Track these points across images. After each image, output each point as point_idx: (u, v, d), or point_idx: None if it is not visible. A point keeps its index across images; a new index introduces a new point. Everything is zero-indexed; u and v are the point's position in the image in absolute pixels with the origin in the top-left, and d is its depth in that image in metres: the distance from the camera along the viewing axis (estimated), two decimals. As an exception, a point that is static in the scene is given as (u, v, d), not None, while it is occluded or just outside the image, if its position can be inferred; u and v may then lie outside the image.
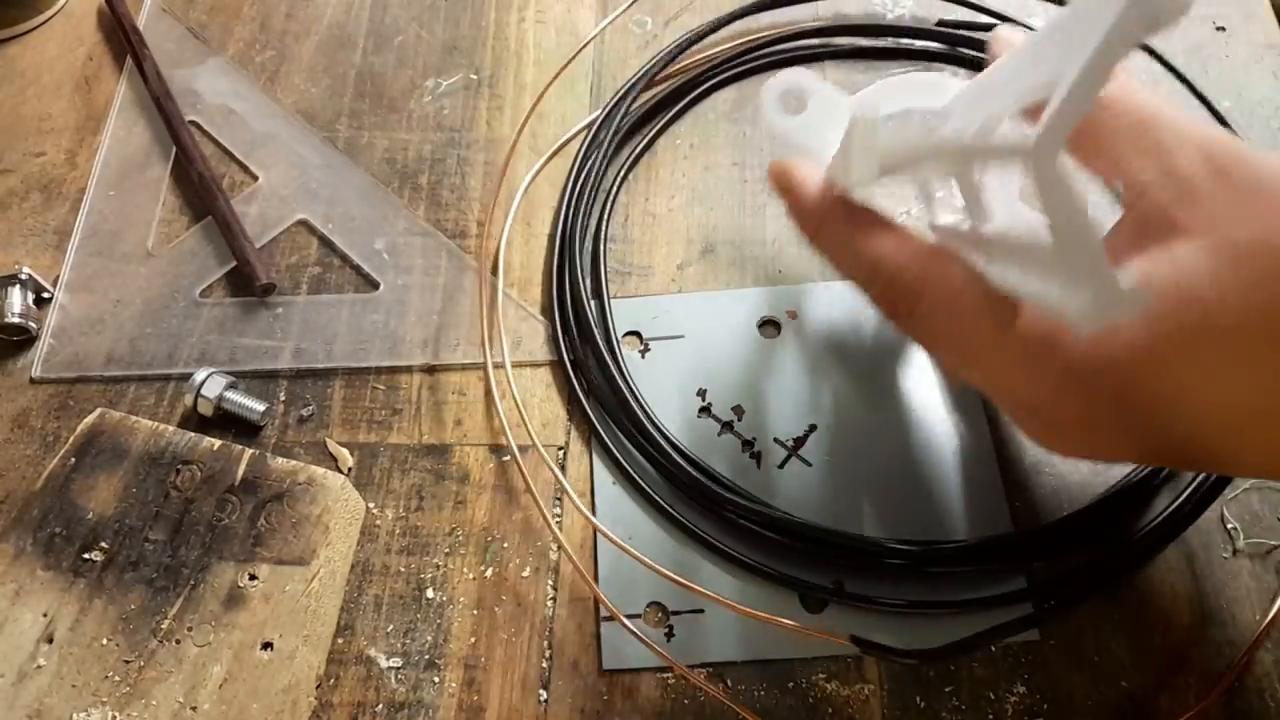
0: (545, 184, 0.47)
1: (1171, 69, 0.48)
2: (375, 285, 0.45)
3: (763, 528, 0.37)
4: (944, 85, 0.29)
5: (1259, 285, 0.23)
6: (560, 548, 0.38)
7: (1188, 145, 0.27)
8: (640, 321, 0.43)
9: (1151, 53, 0.48)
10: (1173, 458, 0.29)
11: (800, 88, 0.33)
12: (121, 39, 0.52)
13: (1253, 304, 0.24)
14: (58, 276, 0.45)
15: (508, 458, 0.40)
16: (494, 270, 0.44)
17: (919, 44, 0.50)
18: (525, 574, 0.38)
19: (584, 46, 0.50)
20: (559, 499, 0.39)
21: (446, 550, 0.38)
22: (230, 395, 0.40)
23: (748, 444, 0.40)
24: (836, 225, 0.31)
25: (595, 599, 0.37)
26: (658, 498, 0.38)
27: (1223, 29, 0.51)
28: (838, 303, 0.43)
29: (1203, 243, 0.25)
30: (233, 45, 0.53)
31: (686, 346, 0.42)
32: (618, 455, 0.39)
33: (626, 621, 0.35)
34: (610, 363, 0.41)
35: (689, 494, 0.38)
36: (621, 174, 0.47)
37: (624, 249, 0.45)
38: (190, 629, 0.35)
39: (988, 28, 0.50)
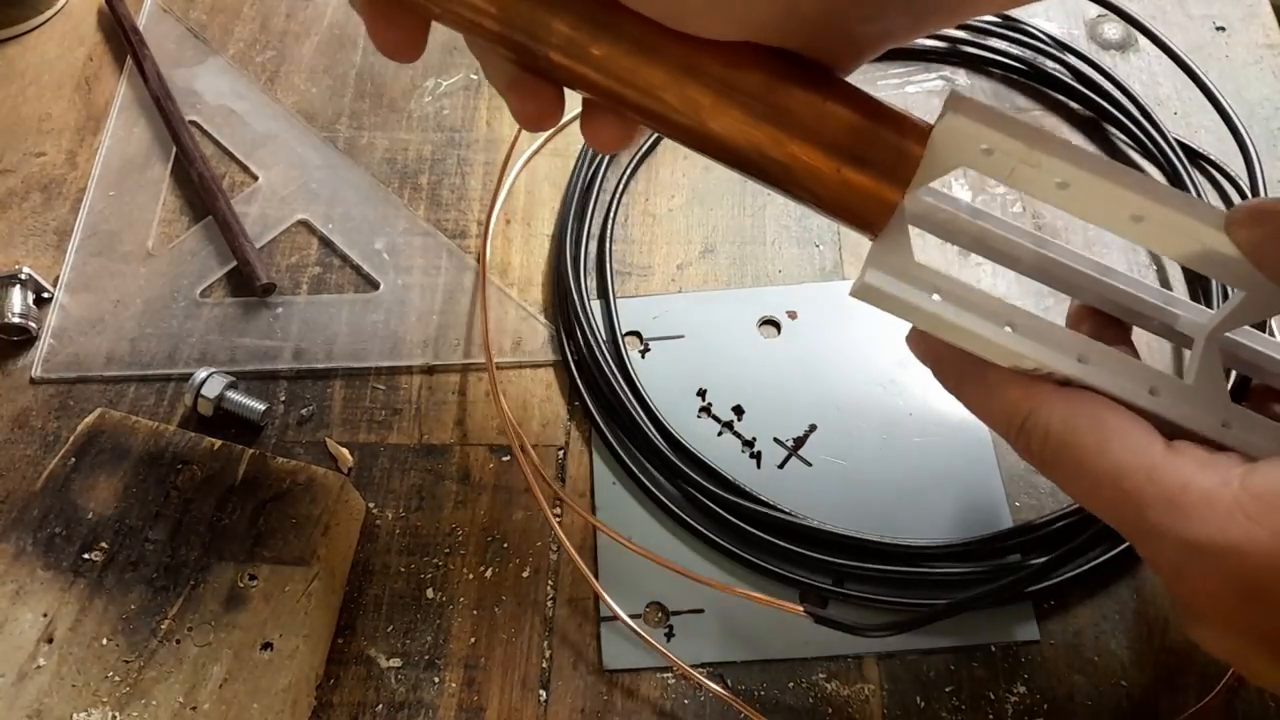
0: (546, 184, 0.47)
1: (1179, 63, 0.47)
2: (375, 285, 0.45)
3: (763, 527, 0.37)
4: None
5: None
6: (560, 548, 0.38)
7: None
8: (640, 321, 0.43)
9: (1159, 43, 0.48)
10: None
11: None
12: (121, 39, 0.52)
13: None
14: (58, 276, 0.45)
15: (508, 458, 0.40)
16: (494, 270, 0.44)
17: (920, 43, 0.50)
18: (525, 574, 0.38)
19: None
20: (559, 499, 0.39)
21: (446, 550, 0.38)
22: (230, 395, 0.40)
23: (748, 444, 0.40)
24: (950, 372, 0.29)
25: (595, 599, 0.37)
26: (658, 497, 0.38)
27: (1223, 29, 0.51)
28: (838, 303, 0.43)
29: None
30: (233, 45, 0.53)
31: (686, 346, 0.42)
32: (618, 455, 0.39)
33: (628, 620, 0.35)
34: (611, 363, 0.41)
35: (689, 494, 0.38)
36: (625, 174, 0.47)
37: (624, 249, 0.45)
38: (190, 629, 0.35)
39: (987, 29, 0.50)
